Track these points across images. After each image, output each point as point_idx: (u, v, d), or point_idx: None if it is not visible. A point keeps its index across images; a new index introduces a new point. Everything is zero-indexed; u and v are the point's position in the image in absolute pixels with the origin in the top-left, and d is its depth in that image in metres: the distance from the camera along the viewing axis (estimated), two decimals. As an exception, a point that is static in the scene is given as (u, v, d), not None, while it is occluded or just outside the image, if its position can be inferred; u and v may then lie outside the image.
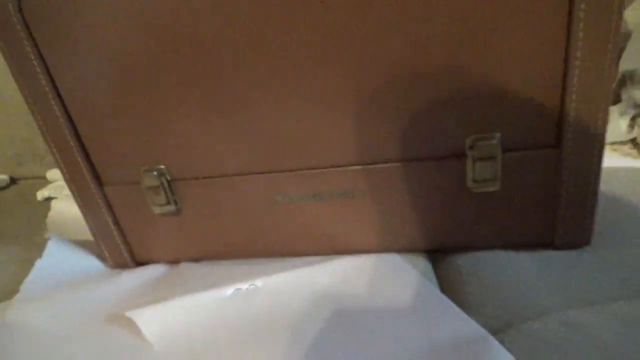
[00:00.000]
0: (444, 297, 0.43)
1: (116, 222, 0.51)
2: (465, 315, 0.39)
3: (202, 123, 0.43)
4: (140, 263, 0.54)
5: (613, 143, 0.65)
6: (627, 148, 0.64)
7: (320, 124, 0.42)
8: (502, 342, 0.37)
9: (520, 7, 0.35)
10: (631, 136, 0.65)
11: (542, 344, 0.36)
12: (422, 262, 0.50)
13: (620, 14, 0.35)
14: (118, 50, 0.41)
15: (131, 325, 0.42)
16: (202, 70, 0.41)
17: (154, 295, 0.46)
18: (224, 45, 0.39)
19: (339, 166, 0.44)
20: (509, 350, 0.36)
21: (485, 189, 0.43)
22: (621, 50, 0.63)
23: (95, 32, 0.40)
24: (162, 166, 0.46)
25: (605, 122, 0.39)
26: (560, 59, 0.37)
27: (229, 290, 0.45)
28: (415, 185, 0.44)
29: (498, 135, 0.40)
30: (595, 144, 0.40)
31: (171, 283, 0.49)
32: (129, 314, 0.42)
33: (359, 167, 0.44)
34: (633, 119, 0.67)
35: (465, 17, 0.36)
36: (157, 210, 0.48)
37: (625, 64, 0.62)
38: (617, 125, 0.65)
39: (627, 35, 0.61)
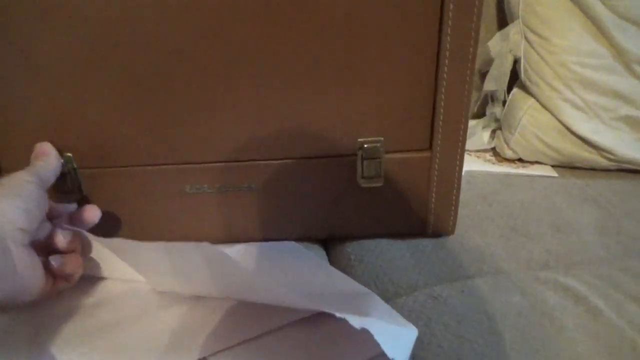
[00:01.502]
0: (336, 270, 0.49)
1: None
2: (354, 281, 0.46)
3: (113, 112, 0.45)
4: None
5: (477, 151, 0.77)
6: (488, 155, 0.76)
7: (225, 121, 0.46)
8: (380, 313, 0.44)
9: (394, 42, 0.43)
10: (491, 146, 0.77)
11: (412, 313, 0.44)
12: (317, 249, 0.56)
13: (476, 40, 0.43)
14: (33, 34, 0.41)
15: None
16: (115, 59, 0.42)
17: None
18: (138, 33, 0.41)
19: (241, 161, 0.48)
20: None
21: (371, 185, 0.50)
22: (485, 74, 0.75)
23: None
24: (69, 154, 0.47)
25: (465, 132, 0.48)
26: (431, 83, 0.45)
27: None
28: (311, 180, 0.50)
29: (382, 139, 0.47)
30: (458, 149, 0.48)
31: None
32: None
33: (259, 162, 0.48)
34: (494, 131, 0.79)
35: (350, 44, 0.42)
36: (61, 198, 0.49)
37: (488, 86, 0.73)
38: (481, 136, 0.77)
39: (490, 62, 0.73)
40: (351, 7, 0.41)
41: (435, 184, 0.51)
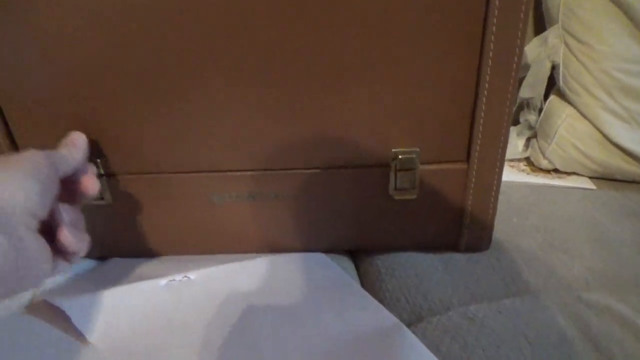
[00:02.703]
0: (364, 291, 0.47)
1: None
2: (382, 307, 0.44)
3: (141, 120, 0.44)
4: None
5: (511, 160, 0.74)
6: (522, 165, 0.73)
7: (255, 129, 0.44)
8: (414, 333, 0.42)
9: (434, 47, 0.40)
10: (526, 155, 0.74)
11: (447, 335, 0.42)
12: (346, 261, 0.54)
13: (521, 49, 0.41)
14: (58, 39, 0.40)
15: (58, 315, 0.41)
16: (144, 69, 0.41)
17: (82, 288, 0.46)
18: (166, 44, 0.40)
19: (272, 169, 0.47)
20: (420, 340, 0.41)
21: (404, 197, 0.48)
22: (520, 80, 0.72)
23: (30, 16, 0.40)
24: (97, 160, 0.46)
25: (505, 145, 0.45)
26: (471, 92, 0.43)
27: (163, 281, 0.46)
28: (342, 191, 0.48)
29: (417, 150, 0.45)
30: (496, 162, 0.46)
31: (101, 277, 0.49)
32: (57, 301, 0.41)
33: (289, 171, 0.47)
34: (528, 139, 0.76)
35: (385, 48, 0.41)
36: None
37: (525, 92, 0.71)
38: (515, 144, 0.74)
39: (526, 68, 0.70)
40: (387, 6, 0.39)
41: (471, 197, 0.48)
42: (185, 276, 0.47)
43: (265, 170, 0.47)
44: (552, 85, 0.72)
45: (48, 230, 0.36)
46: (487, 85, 0.42)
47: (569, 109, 0.68)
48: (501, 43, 0.40)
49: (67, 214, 0.38)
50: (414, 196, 0.48)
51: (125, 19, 0.39)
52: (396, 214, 0.50)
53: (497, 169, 0.47)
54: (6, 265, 0.30)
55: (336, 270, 0.50)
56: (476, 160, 0.46)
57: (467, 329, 0.42)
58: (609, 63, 0.63)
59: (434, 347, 0.40)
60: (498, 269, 0.51)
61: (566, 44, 0.67)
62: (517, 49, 0.41)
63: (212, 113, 0.43)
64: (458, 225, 0.51)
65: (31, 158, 0.35)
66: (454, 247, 0.53)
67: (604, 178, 0.70)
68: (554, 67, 0.69)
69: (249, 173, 0.47)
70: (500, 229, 0.58)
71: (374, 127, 0.45)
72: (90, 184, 0.41)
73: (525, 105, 0.74)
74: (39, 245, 0.34)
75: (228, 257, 0.51)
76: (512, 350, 0.39)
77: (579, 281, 0.49)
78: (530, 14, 0.40)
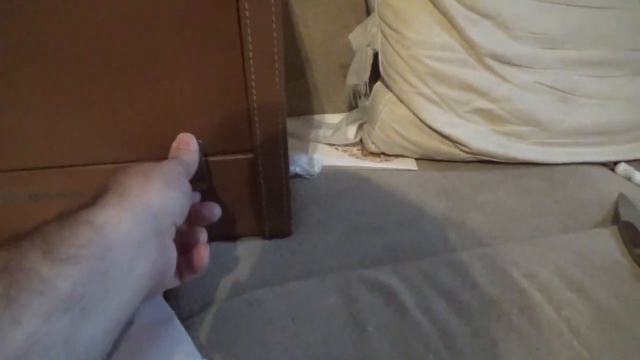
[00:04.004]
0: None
1: None
2: (162, 301, 0.44)
3: None
4: None
5: (345, 145, 0.76)
6: (355, 149, 0.76)
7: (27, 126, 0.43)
8: (199, 322, 0.42)
9: (197, 43, 0.41)
10: (357, 139, 0.77)
11: (229, 321, 0.43)
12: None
13: (280, 41, 0.42)
14: None
15: None
16: None
17: None
18: None
19: (55, 167, 0.45)
20: (201, 328, 0.42)
21: (196, 188, 0.48)
22: (347, 67, 0.74)
23: None
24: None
25: (284, 133, 0.47)
26: (241, 82, 0.43)
27: None
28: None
29: (200, 141, 0.46)
30: (280, 150, 0.47)
31: None
32: None
33: (77, 167, 0.46)
34: (361, 125, 0.79)
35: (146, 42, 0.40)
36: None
37: (350, 80, 0.73)
38: (345, 131, 0.77)
39: (352, 55, 0.73)
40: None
41: (263, 185, 0.49)
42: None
43: (46, 168, 0.45)
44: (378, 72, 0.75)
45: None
46: (253, 76, 0.43)
47: (389, 95, 0.71)
48: (257, 30, 0.41)
49: (203, 234, 0.42)
50: (205, 187, 0.48)
51: None
52: (194, 206, 0.50)
53: (282, 157, 0.48)
54: (158, 263, 0.33)
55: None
56: (259, 150, 0.47)
57: (243, 312, 0.43)
58: (419, 50, 0.67)
59: (207, 333, 0.41)
60: (298, 253, 0.52)
61: (382, 33, 0.69)
62: (273, 33, 0.41)
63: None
64: (257, 214, 0.52)
65: (173, 169, 0.38)
66: (259, 235, 0.54)
67: (426, 159, 0.74)
68: (376, 54, 0.72)
69: (29, 172, 0.45)
70: (314, 213, 0.60)
71: (156, 121, 0.44)
72: (212, 211, 0.44)
73: (357, 92, 0.76)
74: (174, 254, 0.36)
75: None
76: (276, 331, 0.41)
77: (373, 260, 0.52)
78: (282, 9, 0.41)
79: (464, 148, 0.70)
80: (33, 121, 0.42)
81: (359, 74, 0.72)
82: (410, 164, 0.72)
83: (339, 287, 0.46)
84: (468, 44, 0.67)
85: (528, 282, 0.47)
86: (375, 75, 0.74)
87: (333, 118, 0.84)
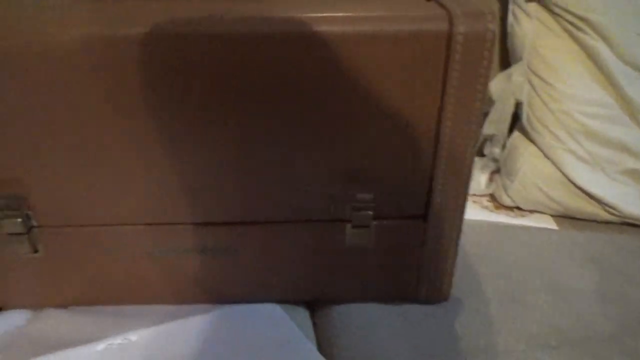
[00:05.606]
0: (312, 348, 0.45)
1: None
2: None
3: (74, 171, 0.40)
4: (-3, 308, 0.49)
5: (472, 195, 0.73)
6: (485, 201, 0.72)
7: (195, 183, 0.42)
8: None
9: (393, 99, 0.38)
10: (489, 191, 0.73)
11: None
12: (301, 311, 0.52)
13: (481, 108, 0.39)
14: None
15: None
16: (73, 121, 0.38)
17: (17, 352, 0.42)
18: (104, 100, 0.37)
19: (217, 223, 0.44)
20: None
21: (359, 250, 0.46)
22: (484, 116, 0.71)
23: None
24: (28, 212, 0.42)
25: (464, 201, 0.44)
26: (430, 147, 0.41)
27: (100, 345, 0.43)
28: (296, 243, 0.46)
29: (373, 205, 0.43)
30: (455, 219, 0.45)
31: (36, 336, 0.45)
32: None
33: (236, 224, 0.44)
34: (492, 173, 0.75)
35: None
36: (19, 253, 0.44)
37: (488, 129, 0.70)
38: (478, 180, 0.73)
39: (490, 103, 0.69)
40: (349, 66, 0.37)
41: (429, 251, 0.47)
42: (125, 338, 0.44)
43: (215, 224, 0.44)
44: (516, 120, 0.72)
45: None
46: (447, 138, 0.40)
47: (532, 148, 0.67)
48: (461, 96, 0.38)
49: None
50: (369, 248, 0.46)
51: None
52: (352, 265, 0.48)
53: (456, 226, 0.45)
54: None
55: (286, 324, 0.48)
56: (434, 217, 0.44)
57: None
58: (571, 105, 0.63)
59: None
60: (455, 322, 0.49)
61: (530, 83, 0.66)
62: (477, 103, 0.39)
63: (151, 166, 0.40)
64: (416, 277, 0.49)
65: None
66: (413, 298, 0.51)
67: (566, 216, 0.69)
68: (518, 104, 0.68)
69: (191, 226, 0.44)
70: (460, 275, 0.56)
71: (326, 182, 0.42)
72: None
73: (488, 140, 0.73)
74: None
75: (173, 310, 0.48)
76: None
77: (537, 338, 0.48)
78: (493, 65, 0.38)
79: (612, 211, 0.65)
80: (203, 180, 0.42)
81: (498, 124, 0.68)
82: (549, 222, 0.68)
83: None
84: (624, 101, 0.62)
85: None
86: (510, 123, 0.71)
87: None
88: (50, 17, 0.35)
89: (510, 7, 0.68)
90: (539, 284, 0.56)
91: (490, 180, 0.75)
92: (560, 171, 0.65)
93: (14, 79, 0.36)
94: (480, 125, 0.41)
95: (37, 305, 0.49)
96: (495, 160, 0.76)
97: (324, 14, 0.35)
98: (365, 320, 0.49)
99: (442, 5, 0.37)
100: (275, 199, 0.43)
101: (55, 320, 0.47)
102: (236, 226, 0.44)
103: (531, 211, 0.70)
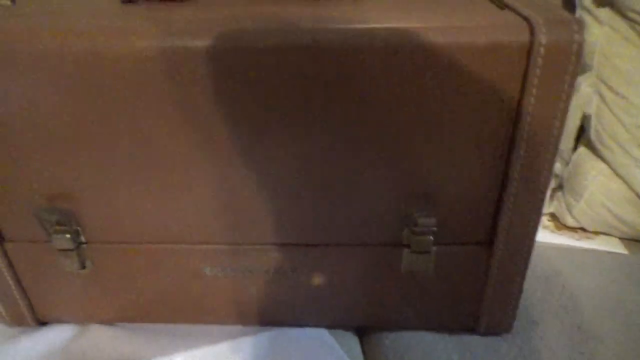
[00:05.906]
0: None
1: (16, 278, 0.45)
2: None
3: (128, 187, 0.39)
4: (43, 322, 0.48)
5: (533, 214, 0.68)
6: (545, 220, 0.67)
7: (253, 202, 0.39)
8: None
9: (463, 115, 0.35)
10: (549, 209, 0.68)
11: None
12: (351, 338, 0.49)
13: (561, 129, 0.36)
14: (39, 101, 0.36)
15: None
16: (133, 134, 0.36)
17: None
18: (160, 113, 0.35)
19: (271, 244, 0.42)
20: None
21: (417, 276, 0.43)
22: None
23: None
24: (77, 227, 0.41)
25: (535, 228, 0.40)
26: (501, 168, 0.37)
27: None
28: (348, 267, 0.43)
29: (434, 229, 0.40)
30: (525, 245, 0.41)
31: (78, 352, 0.44)
32: None
33: (291, 246, 0.42)
34: (554, 190, 0.70)
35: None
36: (66, 269, 0.43)
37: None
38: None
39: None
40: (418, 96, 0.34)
41: (493, 279, 0.43)
42: (171, 359, 0.42)
43: (264, 244, 0.42)
44: (581, 134, 0.67)
45: None
46: (520, 160, 0.37)
47: (601, 165, 0.62)
48: (539, 114, 0.35)
49: None
50: (428, 275, 0.43)
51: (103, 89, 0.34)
52: (408, 292, 0.45)
53: (524, 252, 0.42)
54: None
55: (335, 352, 0.45)
56: (501, 244, 0.41)
57: None
58: (647, 119, 0.58)
59: None
60: (517, 358, 0.45)
61: (600, 95, 0.61)
62: (556, 122, 0.36)
63: (204, 185, 0.39)
64: (477, 306, 0.45)
65: None
66: (472, 329, 0.47)
67: (634, 239, 0.64)
68: (584, 118, 0.63)
69: (244, 247, 0.42)
70: (523, 304, 0.52)
71: (386, 204, 0.40)
72: None
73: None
74: None
75: (219, 330, 0.47)
76: None
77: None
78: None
79: (690, 235, 0.59)
80: (256, 201, 0.40)
81: (562, 138, 0.63)
82: (616, 246, 0.63)
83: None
84: None
85: None
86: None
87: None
88: (109, 28, 0.33)
89: (578, 12, 0.64)
90: (610, 316, 0.51)
91: (551, 198, 0.70)
92: (633, 190, 0.59)
93: (71, 91, 0.34)
94: (558, 145, 0.37)
95: (82, 320, 0.48)
96: (556, 176, 0.71)
97: (396, 25, 0.33)
98: (420, 351, 0.46)
99: (520, 14, 0.34)
100: (336, 221, 0.40)
101: (99, 337, 0.46)
102: (292, 247, 0.42)
103: (597, 233, 0.65)
